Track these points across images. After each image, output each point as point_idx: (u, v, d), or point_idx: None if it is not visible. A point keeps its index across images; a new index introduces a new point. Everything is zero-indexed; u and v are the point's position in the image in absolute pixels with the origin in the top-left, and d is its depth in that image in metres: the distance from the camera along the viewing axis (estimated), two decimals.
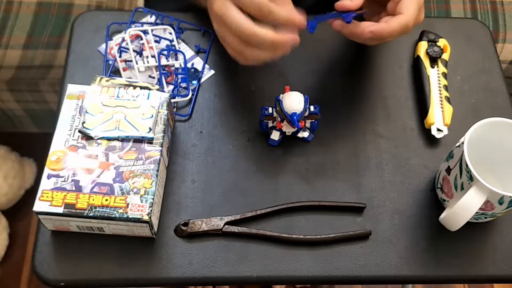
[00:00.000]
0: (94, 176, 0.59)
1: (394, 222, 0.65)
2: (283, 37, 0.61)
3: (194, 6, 0.80)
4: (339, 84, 0.75)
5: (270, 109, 0.67)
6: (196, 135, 0.70)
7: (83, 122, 0.62)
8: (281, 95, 0.65)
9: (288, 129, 0.67)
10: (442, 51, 0.75)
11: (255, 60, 0.63)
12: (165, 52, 0.74)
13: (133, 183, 0.59)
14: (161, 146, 0.62)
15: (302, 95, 0.64)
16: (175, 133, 0.70)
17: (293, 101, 0.64)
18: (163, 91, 0.66)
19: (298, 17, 0.61)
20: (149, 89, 0.65)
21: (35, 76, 1.11)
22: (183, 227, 0.63)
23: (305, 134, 0.69)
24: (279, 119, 0.67)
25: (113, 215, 0.58)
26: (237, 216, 0.63)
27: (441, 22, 0.82)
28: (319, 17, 0.64)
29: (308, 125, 0.69)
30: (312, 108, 0.66)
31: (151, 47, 0.74)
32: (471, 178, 0.58)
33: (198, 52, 0.76)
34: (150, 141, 0.62)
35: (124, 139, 0.62)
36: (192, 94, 0.72)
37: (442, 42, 0.76)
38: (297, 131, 0.68)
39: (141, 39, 0.75)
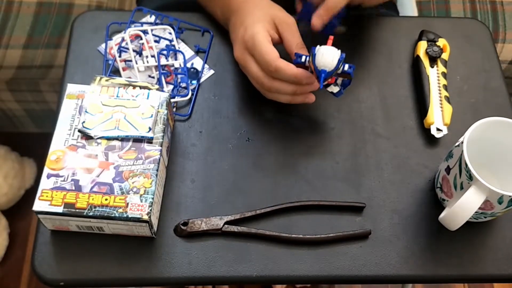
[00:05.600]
0: (93, 176, 0.59)
1: (393, 222, 0.65)
2: (301, 72, 0.64)
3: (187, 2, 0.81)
4: None
5: (303, 58, 0.65)
6: (195, 135, 0.70)
7: (83, 122, 0.62)
8: (318, 46, 0.63)
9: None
10: (441, 50, 0.75)
11: (276, 91, 0.67)
12: (165, 52, 0.74)
13: (132, 183, 0.59)
14: (161, 146, 0.62)
15: (339, 52, 0.62)
16: (175, 133, 0.70)
17: (327, 57, 0.61)
18: (162, 90, 0.66)
19: (304, 75, 0.64)
20: (149, 88, 0.65)
21: (35, 76, 1.11)
22: (182, 227, 0.63)
23: (335, 89, 0.67)
24: (310, 70, 0.65)
25: (112, 215, 0.58)
26: (236, 216, 0.63)
27: (440, 22, 0.82)
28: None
29: (339, 81, 0.67)
30: (346, 66, 0.63)
31: (150, 47, 0.74)
32: (470, 177, 0.58)
33: (197, 52, 0.76)
34: (149, 140, 0.62)
35: (123, 139, 0.62)
36: (192, 94, 0.72)
37: (441, 42, 0.76)
38: (327, 85, 0.67)
39: (141, 39, 0.75)
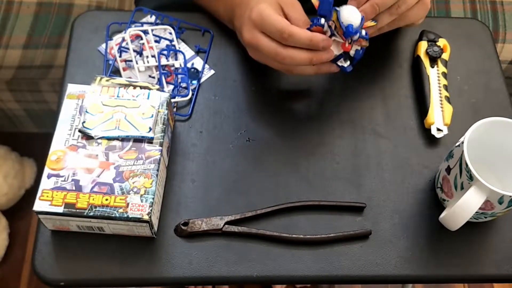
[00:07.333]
0: (94, 176, 0.59)
1: (394, 222, 0.65)
2: (317, 35, 0.63)
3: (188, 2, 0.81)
4: (339, 84, 0.75)
5: (322, 20, 0.64)
6: (196, 135, 0.70)
7: (83, 122, 0.62)
8: (337, 7, 0.63)
9: (336, 50, 0.65)
10: (442, 51, 0.75)
11: (291, 60, 0.64)
12: (165, 52, 0.74)
13: (133, 183, 0.59)
14: (161, 146, 0.62)
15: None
16: (175, 133, 0.70)
17: (352, 13, 0.62)
18: (163, 91, 0.66)
19: (320, 38, 0.63)
20: (149, 89, 0.65)
21: (35, 76, 1.11)
22: (183, 227, 0.63)
23: (346, 63, 0.66)
24: (329, 33, 0.64)
25: (113, 215, 0.58)
26: (237, 216, 0.63)
27: (441, 22, 0.82)
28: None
29: (352, 52, 0.66)
30: (363, 32, 0.64)
31: (151, 47, 0.74)
32: (471, 177, 0.58)
33: (198, 52, 0.76)
34: (150, 140, 0.62)
35: (124, 139, 0.62)
36: (192, 94, 0.72)
37: (442, 42, 0.76)
38: (339, 57, 0.66)
39: (141, 39, 0.75)
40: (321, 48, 0.64)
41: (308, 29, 0.64)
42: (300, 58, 0.64)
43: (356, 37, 0.64)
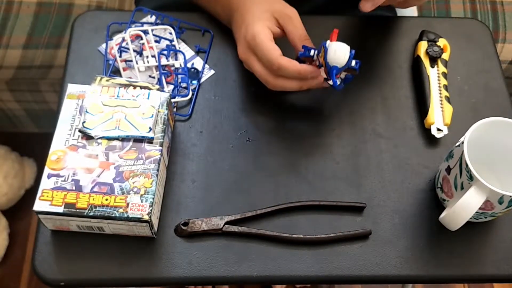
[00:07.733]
0: (94, 176, 0.59)
1: (394, 222, 0.65)
2: (305, 68, 0.65)
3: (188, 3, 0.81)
4: None
5: (312, 51, 0.65)
6: (196, 135, 0.70)
7: (83, 122, 0.62)
8: (328, 41, 0.62)
9: (323, 75, 0.66)
10: (442, 51, 0.75)
11: (282, 88, 0.67)
12: (165, 52, 0.74)
13: (133, 183, 0.59)
14: (161, 146, 0.62)
15: (349, 48, 0.62)
16: (175, 133, 0.70)
17: (339, 54, 0.61)
18: (163, 91, 0.66)
19: (308, 70, 0.65)
20: (149, 89, 0.65)
21: (35, 76, 1.11)
22: (183, 227, 0.63)
23: (336, 82, 0.66)
24: (317, 63, 0.65)
25: (113, 215, 0.58)
26: (237, 216, 0.63)
27: (441, 22, 0.82)
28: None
29: (342, 76, 0.67)
30: (353, 62, 0.63)
31: (151, 47, 0.74)
32: (471, 177, 0.58)
33: (198, 52, 0.76)
34: (150, 140, 0.62)
35: (124, 139, 0.62)
36: (192, 94, 0.72)
37: (442, 42, 0.76)
38: (328, 78, 0.67)
39: (141, 39, 0.75)
40: (309, 79, 0.66)
41: (298, 58, 0.66)
42: (290, 86, 0.67)
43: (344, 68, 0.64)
